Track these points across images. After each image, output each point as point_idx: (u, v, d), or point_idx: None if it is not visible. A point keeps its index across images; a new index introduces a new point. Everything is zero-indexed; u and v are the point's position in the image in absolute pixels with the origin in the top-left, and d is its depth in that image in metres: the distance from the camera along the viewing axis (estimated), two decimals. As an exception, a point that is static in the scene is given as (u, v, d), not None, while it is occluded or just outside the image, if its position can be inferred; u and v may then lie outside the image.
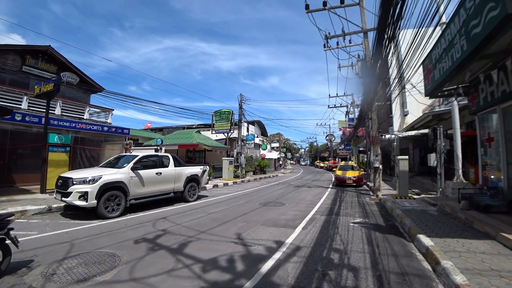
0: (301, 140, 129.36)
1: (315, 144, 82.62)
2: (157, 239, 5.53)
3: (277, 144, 47.08)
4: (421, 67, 8.96)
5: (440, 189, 10.92)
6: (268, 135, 54.48)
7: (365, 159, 37.44)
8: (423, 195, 11.19)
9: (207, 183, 13.16)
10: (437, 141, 11.11)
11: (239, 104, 23.00)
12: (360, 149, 31.52)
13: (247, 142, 25.78)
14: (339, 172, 17.58)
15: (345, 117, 37.92)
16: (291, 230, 6.37)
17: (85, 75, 16.64)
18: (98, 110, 16.44)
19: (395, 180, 18.73)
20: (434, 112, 12.37)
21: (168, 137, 23.46)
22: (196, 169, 11.25)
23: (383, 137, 19.54)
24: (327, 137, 60.76)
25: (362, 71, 13.94)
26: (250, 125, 50.76)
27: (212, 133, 24.36)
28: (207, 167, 12.04)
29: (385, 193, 12.42)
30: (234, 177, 21.26)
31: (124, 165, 8.61)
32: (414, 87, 11.93)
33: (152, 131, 39.44)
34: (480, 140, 8.91)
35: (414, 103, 19.89)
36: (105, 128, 14.91)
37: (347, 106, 38.24)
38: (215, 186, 16.53)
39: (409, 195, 10.70)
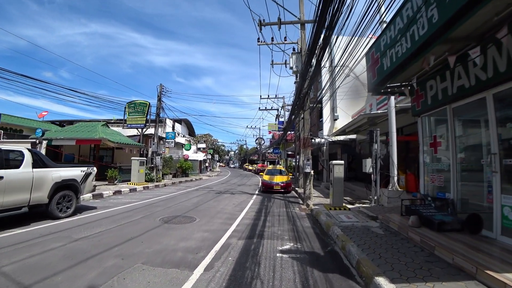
0: (231, 142, 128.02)
1: (244, 147, 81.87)
2: None
3: (203, 145, 44.16)
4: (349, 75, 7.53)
5: (375, 197, 9.79)
6: (197, 135, 51.19)
7: (294, 163, 37.30)
8: (357, 204, 9.93)
9: (93, 190, 9.78)
10: (373, 145, 10.00)
11: (158, 96, 19.72)
12: (289, 153, 30.92)
13: (167, 140, 22.54)
14: (266, 177, 15.84)
15: (275, 120, 37.26)
16: (186, 273, 3.96)
17: None
18: None
19: (324, 186, 17.87)
20: (370, 114, 11.37)
21: (65, 129, 18.82)
22: (73, 172, 8.01)
23: (313, 140, 18.60)
24: (257, 140, 60.24)
25: (296, 65, 12.41)
26: (176, 123, 46.88)
27: (124, 128, 20.49)
28: (94, 169, 8.84)
29: (317, 201, 10.93)
30: (147, 181, 17.91)
31: None
32: (357, 78, 10.66)
33: (54, 123, 32.77)
34: (423, 145, 7.84)
35: (344, 108, 19.54)
36: None
37: (277, 110, 37.71)
38: (117, 192, 13.15)
39: (344, 205, 9.27)
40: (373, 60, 7.31)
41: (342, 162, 9.21)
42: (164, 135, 23.16)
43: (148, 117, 19.76)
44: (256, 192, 15.53)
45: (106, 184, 15.45)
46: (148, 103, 19.87)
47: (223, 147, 73.51)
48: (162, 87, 19.93)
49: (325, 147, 17.74)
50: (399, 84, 8.07)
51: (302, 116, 15.57)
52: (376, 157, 9.79)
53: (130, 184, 16.12)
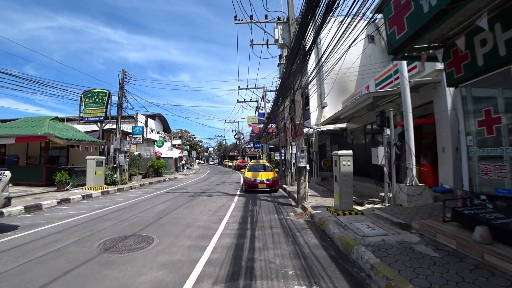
0: (210, 138, 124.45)
1: (224, 142, 79.06)
2: None
3: (179, 141, 41.10)
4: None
5: (389, 195, 7.77)
6: (173, 132, 47.95)
7: (276, 157, 35.22)
8: (367, 205, 7.86)
9: (4, 204, 6.80)
10: (385, 130, 7.96)
11: (119, 84, 16.85)
12: (271, 146, 28.80)
13: (134, 136, 19.69)
14: (248, 174, 13.55)
15: (255, 113, 35.03)
16: None
17: None
18: None
19: (315, 181, 15.83)
20: (377, 93, 9.32)
21: (4, 126, 15.57)
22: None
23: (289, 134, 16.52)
24: (236, 135, 57.79)
25: (283, 37, 10.16)
26: (149, 119, 43.53)
27: (79, 123, 17.49)
28: (5, 174, 6.18)
29: (314, 203, 8.79)
30: (108, 184, 15.15)
31: None
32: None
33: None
34: (464, 125, 5.82)
35: (332, 95, 17.54)
36: None
37: (257, 101, 35.57)
38: (64, 201, 10.45)
39: (354, 207, 7.17)
40: (399, 7, 5.16)
41: (351, 152, 7.07)
42: (131, 130, 20.27)
43: (109, 109, 16.89)
44: (238, 192, 13.21)
45: (54, 191, 12.59)
46: (107, 92, 16.98)
47: (200, 143, 70.09)
48: (124, 73, 17.07)
49: (314, 138, 15.69)
50: (426, 45, 6.04)
51: (287, 103, 13.40)
52: (390, 145, 7.74)
53: (85, 189, 13.33)
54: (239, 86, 29.62)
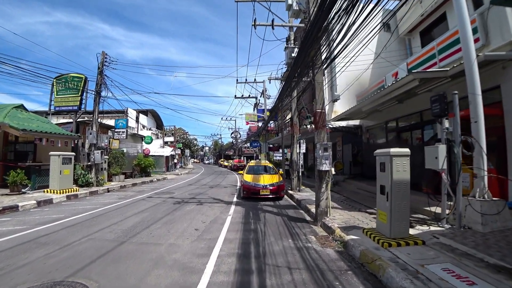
0: (205, 136, 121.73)
1: (220, 141, 76.50)
2: None
3: (171, 138, 38.55)
4: None
5: (452, 213, 5.51)
6: (167, 129, 45.35)
7: (275, 158, 32.84)
8: (418, 226, 5.57)
9: None
10: (443, 123, 5.69)
11: (98, 69, 14.41)
12: (271, 145, 26.50)
13: (116, 130, 17.22)
14: (248, 177, 11.18)
15: (254, 109, 32.68)
16: None
17: None
18: None
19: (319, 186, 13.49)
20: (427, 74, 7.01)
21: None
22: None
23: (307, 127, 14.23)
24: (233, 134, 55.35)
25: (299, 1, 7.84)
26: (142, 115, 40.98)
27: (49, 113, 15.01)
28: None
29: (340, 220, 6.47)
30: (81, 185, 12.76)
31: None
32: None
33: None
34: None
35: (340, 90, 15.29)
36: None
37: (256, 97, 33.21)
38: (9, 209, 8.07)
39: (410, 234, 4.85)
40: None
41: (408, 151, 4.75)
42: (113, 124, 17.78)
43: (85, 98, 14.42)
44: (235, 199, 10.86)
45: (6, 194, 10.15)
46: (83, 76, 14.51)
47: (195, 141, 67.21)
48: (104, 56, 14.64)
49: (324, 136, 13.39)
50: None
51: (294, 94, 11.10)
52: (455, 143, 5.46)
53: (47, 192, 10.90)
54: (237, 80, 27.12)
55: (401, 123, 11.03)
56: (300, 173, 11.93)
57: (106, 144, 14.52)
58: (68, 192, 11.14)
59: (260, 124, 34.54)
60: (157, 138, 36.78)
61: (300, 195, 10.61)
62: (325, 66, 7.22)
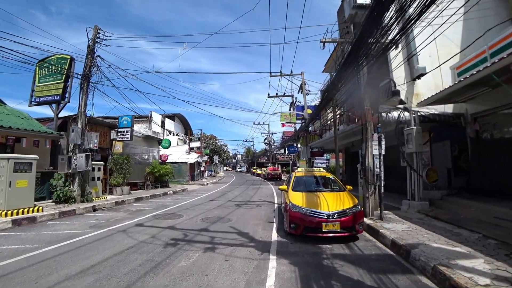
0: (237, 144, 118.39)
1: (252, 148, 72.39)
2: None
3: (197, 144, 34.97)
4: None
5: None
6: (195, 134, 42.15)
7: (316, 166, 27.79)
8: None
9: None
10: None
11: (88, 47, 10.81)
12: (314, 149, 21.72)
13: (120, 129, 13.54)
14: (297, 198, 6.28)
15: (290, 109, 28.18)
16: None
17: None
18: None
19: (415, 208, 8.33)
20: None
21: None
22: None
23: (384, 116, 9.41)
24: (266, 140, 51.02)
25: None
26: (168, 119, 38.05)
27: (31, 104, 11.61)
28: None
29: None
30: (58, 202, 9.08)
31: None
32: None
33: None
34: None
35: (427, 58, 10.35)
36: None
37: (292, 96, 28.71)
38: None
39: None
40: None
41: None
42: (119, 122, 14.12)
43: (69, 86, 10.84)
44: (274, 235, 6.24)
45: None
46: (69, 57, 10.95)
47: (225, 147, 63.11)
48: (97, 31, 11.03)
49: (413, 128, 8.51)
50: None
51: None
52: None
53: (-11, 214, 7.17)
54: (270, 73, 22.85)
55: None
56: (382, 188, 7.12)
57: (96, 145, 10.75)
58: (22, 214, 7.38)
59: (297, 126, 29.96)
60: (184, 143, 33.45)
61: (391, 229, 5.84)
62: None
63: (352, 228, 5.54)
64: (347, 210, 5.61)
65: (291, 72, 23.54)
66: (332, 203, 5.84)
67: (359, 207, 5.89)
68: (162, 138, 24.65)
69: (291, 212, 5.76)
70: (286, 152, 49.15)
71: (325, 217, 5.41)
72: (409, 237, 5.25)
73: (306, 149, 20.97)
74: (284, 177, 36.18)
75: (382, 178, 7.09)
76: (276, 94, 26.32)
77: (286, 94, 26.59)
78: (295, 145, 33.09)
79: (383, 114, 9.16)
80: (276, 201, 12.10)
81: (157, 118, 34.04)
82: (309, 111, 22.50)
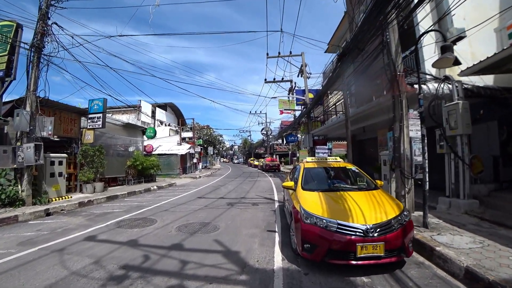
0: (234, 135, 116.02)
1: (249, 139, 70.16)
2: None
3: (189, 134, 32.74)
4: None
5: None
6: (188, 124, 39.85)
7: (318, 155, 25.70)
8: None
9: None
10: None
11: (39, 11, 8.63)
12: (316, 137, 19.64)
13: (90, 116, 11.39)
14: (312, 203, 4.07)
15: (289, 94, 26.14)
16: None
17: None
18: None
19: (459, 209, 5.94)
20: None
21: None
22: None
23: (420, 88, 7.35)
24: (263, 130, 48.97)
25: None
26: (159, 109, 35.76)
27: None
28: None
29: None
30: (3, 205, 7.03)
31: None
32: None
33: None
34: None
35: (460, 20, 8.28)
36: None
37: (291, 81, 26.74)
38: None
39: None
40: None
41: None
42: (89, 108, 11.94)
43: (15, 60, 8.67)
44: (277, 254, 4.33)
45: None
46: (15, 23, 8.73)
47: (220, 138, 60.39)
48: (51, -10, 8.78)
49: (457, 103, 6.49)
50: None
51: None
52: None
53: None
54: (267, 54, 20.70)
55: None
56: (426, 184, 5.10)
57: (50, 132, 8.64)
58: None
59: (297, 114, 27.94)
60: (177, 134, 31.28)
61: (451, 246, 3.88)
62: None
63: (401, 250, 3.52)
64: (393, 221, 3.59)
65: (290, 52, 21.46)
66: (368, 209, 3.79)
67: (406, 214, 3.85)
68: (141, 124, 22.52)
69: (305, 226, 3.70)
70: (285, 142, 47.17)
71: (362, 234, 3.39)
72: (490, 262, 3.29)
73: (308, 137, 18.96)
74: (282, 168, 34.21)
75: (427, 170, 5.06)
76: (274, 79, 24.33)
77: (284, 79, 24.58)
78: (294, 134, 31.06)
79: (415, 87, 7.11)
80: (276, 198, 10.13)
81: (147, 107, 31.77)
82: (311, 95, 20.41)
